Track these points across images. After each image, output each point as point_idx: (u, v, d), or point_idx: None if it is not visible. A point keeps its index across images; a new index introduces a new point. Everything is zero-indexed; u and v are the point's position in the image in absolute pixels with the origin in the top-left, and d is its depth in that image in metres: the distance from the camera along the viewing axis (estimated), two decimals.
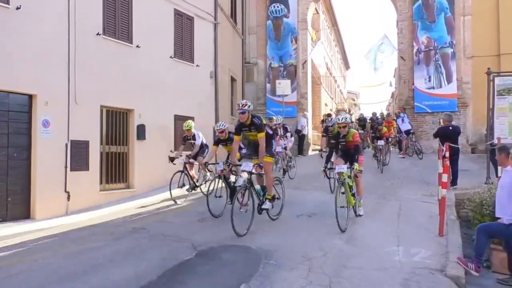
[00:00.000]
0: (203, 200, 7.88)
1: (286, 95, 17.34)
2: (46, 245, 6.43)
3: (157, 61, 12.11)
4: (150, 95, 11.77)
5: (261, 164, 6.49)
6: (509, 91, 9.28)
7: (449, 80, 16.76)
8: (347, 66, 48.11)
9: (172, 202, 9.03)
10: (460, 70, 16.75)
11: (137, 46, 11.38)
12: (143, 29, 11.56)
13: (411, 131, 15.72)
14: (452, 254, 5.39)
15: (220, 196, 7.82)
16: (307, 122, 18.58)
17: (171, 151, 11.02)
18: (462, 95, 16.73)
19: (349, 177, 6.91)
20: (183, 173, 9.32)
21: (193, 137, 9.64)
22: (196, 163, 9.68)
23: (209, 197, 7.59)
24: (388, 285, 4.46)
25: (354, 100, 49.13)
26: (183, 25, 13.38)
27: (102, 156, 10.47)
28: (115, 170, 10.95)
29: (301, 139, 18.02)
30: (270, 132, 7.27)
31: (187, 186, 9.39)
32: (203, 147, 9.69)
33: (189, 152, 9.77)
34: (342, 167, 6.82)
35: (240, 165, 6.82)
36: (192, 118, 11.90)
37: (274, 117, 11.83)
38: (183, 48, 13.34)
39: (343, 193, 6.60)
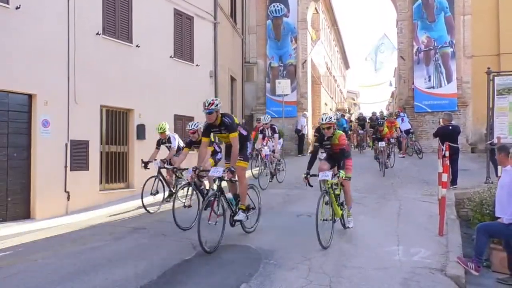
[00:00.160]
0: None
1: (286, 95, 17.35)
2: (46, 245, 6.43)
3: (157, 61, 12.11)
4: (150, 95, 11.77)
5: (232, 169, 5.64)
6: (509, 90, 9.30)
7: (449, 80, 16.77)
8: (346, 66, 48.11)
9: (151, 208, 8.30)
10: (460, 69, 16.77)
11: (137, 46, 11.38)
12: (143, 28, 11.56)
13: (411, 130, 15.76)
14: (452, 253, 5.39)
15: (189, 206, 7.07)
16: (307, 122, 18.63)
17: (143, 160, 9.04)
18: (462, 95, 16.74)
19: (336, 184, 5.97)
20: (157, 179, 8.52)
21: (168, 140, 8.84)
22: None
23: (175, 207, 6.78)
24: (388, 285, 4.46)
25: (354, 99, 49.17)
26: (183, 24, 13.38)
27: (102, 156, 10.47)
28: (115, 170, 10.96)
29: (301, 138, 18.06)
30: (244, 132, 6.33)
31: (161, 194, 8.61)
32: (179, 150, 8.73)
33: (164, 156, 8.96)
34: (326, 174, 5.86)
35: (208, 171, 6.14)
36: (192, 118, 11.88)
37: (261, 117, 11.43)
38: (183, 48, 13.35)
39: (326, 203, 5.71)
